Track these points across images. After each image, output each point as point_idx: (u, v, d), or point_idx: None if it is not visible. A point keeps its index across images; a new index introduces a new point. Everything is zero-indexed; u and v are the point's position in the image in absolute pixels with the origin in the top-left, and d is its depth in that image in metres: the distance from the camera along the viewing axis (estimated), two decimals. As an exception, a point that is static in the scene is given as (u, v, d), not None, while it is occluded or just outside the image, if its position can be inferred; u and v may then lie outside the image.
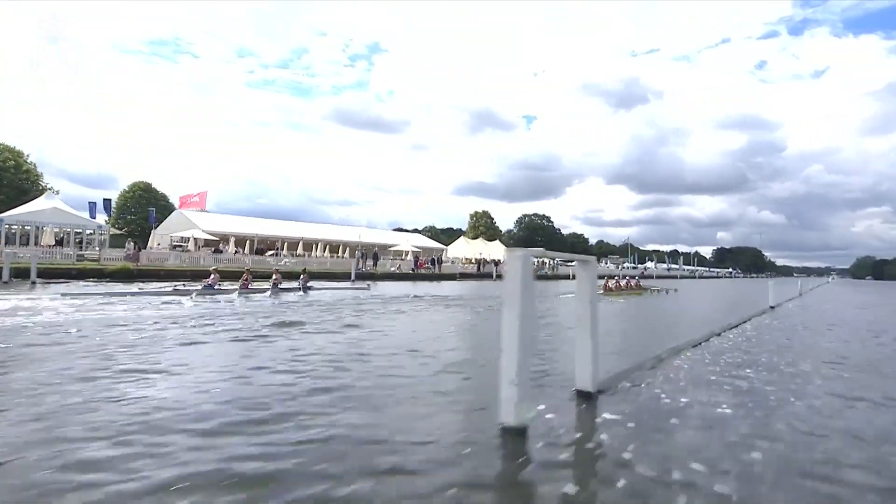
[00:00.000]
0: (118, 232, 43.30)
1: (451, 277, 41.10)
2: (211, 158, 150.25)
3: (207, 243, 38.65)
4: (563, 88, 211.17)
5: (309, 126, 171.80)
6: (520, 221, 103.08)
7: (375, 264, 41.40)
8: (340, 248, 47.63)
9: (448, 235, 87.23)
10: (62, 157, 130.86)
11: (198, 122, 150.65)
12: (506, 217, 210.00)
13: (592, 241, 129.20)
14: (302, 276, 20.02)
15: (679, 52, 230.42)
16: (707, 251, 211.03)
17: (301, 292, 18.61)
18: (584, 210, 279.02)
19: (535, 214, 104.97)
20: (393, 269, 40.47)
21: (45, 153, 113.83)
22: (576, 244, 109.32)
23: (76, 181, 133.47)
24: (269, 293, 17.29)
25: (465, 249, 62.97)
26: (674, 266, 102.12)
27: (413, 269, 41.67)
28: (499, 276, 46.51)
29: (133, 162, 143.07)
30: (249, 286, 17.50)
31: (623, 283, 25.02)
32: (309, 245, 44.92)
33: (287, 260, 36.24)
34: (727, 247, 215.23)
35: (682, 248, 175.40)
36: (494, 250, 70.09)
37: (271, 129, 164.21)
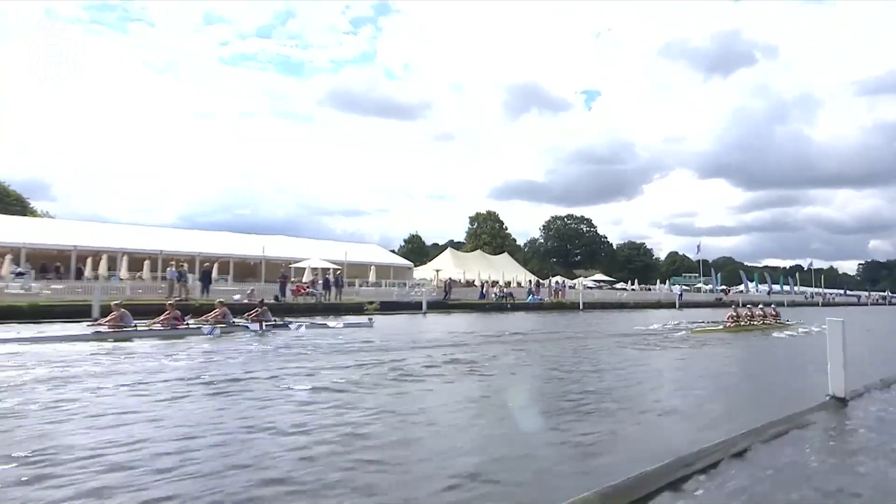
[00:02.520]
0: None
1: (355, 310, 23.95)
2: (177, 159, 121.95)
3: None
4: (635, 52, 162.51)
5: (300, 113, 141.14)
6: (547, 228, 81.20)
7: (283, 294, 24.84)
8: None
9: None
10: None
11: (158, 112, 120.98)
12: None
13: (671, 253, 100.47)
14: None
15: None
16: (852, 266, 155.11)
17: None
18: (668, 215, 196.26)
19: (571, 217, 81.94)
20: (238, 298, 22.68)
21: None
22: (632, 258, 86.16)
23: None
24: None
25: (448, 266, 45.17)
26: (779, 288, 71.48)
27: (277, 298, 24.12)
28: (509, 304, 28.84)
29: (72, 164, 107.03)
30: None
31: (758, 311, 20.20)
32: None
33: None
34: (882, 259, 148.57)
35: (815, 263, 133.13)
36: (500, 267, 51.81)
37: (255, 119, 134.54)
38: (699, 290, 58.46)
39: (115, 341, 12.31)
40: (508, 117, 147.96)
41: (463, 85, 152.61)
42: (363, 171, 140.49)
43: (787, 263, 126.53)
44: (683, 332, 17.62)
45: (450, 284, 34.10)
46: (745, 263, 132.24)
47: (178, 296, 21.74)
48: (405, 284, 37.80)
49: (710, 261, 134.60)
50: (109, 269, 28.49)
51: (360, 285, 33.50)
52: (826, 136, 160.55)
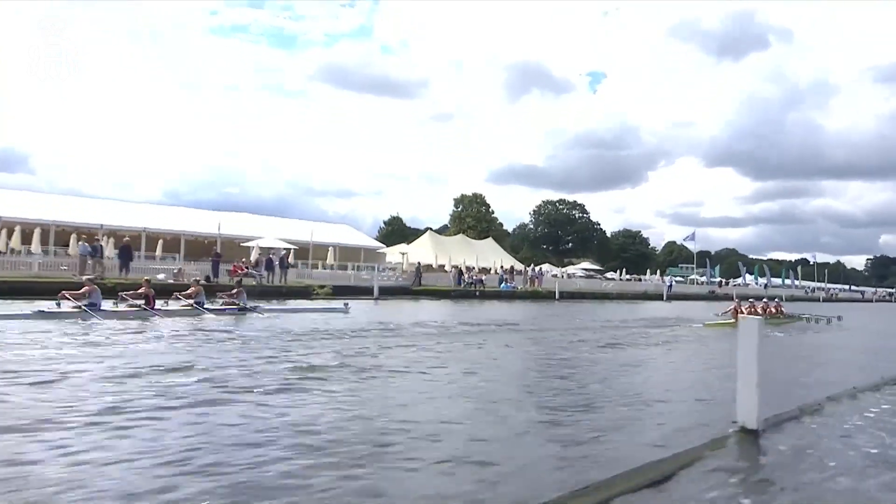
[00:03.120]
0: None
1: (302, 294, 21.72)
2: (163, 134, 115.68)
3: None
4: (644, 32, 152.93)
5: (292, 89, 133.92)
6: (537, 212, 78.01)
7: (216, 274, 22.48)
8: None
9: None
10: None
11: (144, 85, 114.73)
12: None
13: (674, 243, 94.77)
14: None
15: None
16: (860, 261, 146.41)
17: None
18: (673, 204, 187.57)
19: (563, 202, 78.41)
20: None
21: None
22: (626, 246, 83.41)
23: None
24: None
25: (426, 250, 42.64)
26: (780, 282, 68.33)
27: (209, 279, 20.92)
28: (478, 291, 26.54)
29: (52, 136, 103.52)
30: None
31: (760, 307, 19.30)
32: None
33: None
34: (893, 255, 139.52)
35: (823, 258, 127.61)
36: (482, 252, 49.35)
37: (243, 92, 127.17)
38: (693, 281, 55.76)
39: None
40: (508, 98, 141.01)
41: (462, 63, 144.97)
42: (356, 150, 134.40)
43: (794, 257, 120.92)
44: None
45: (419, 269, 31.73)
46: (750, 256, 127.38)
47: (91, 273, 19.40)
48: (373, 268, 35.50)
49: (712, 252, 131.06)
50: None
51: (323, 268, 31.24)
52: (840, 124, 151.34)
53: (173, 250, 31.10)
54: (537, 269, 33.60)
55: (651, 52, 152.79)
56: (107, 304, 12.75)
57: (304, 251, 33.40)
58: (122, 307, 12.75)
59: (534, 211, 77.39)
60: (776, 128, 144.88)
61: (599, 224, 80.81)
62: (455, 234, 59.11)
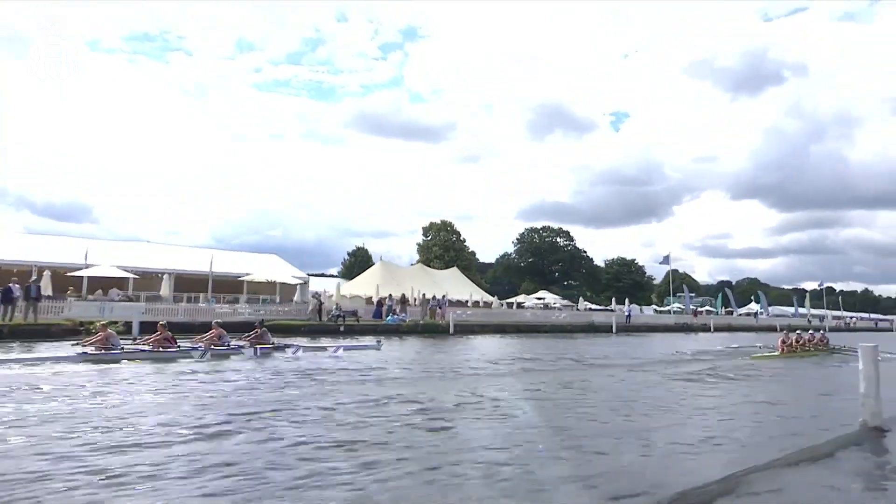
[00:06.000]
0: None
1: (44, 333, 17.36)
2: (211, 180, 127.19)
3: None
4: (662, 72, 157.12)
5: (328, 135, 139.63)
6: (520, 240, 73.13)
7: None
8: None
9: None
10: (22, 182, 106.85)
11: (194, 135, 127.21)
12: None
13: (704, 274, 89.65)
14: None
15: (841, 7, 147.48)
16: (889, 289, 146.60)
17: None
18: (701, 237, 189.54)
19: (547, 229, 73.39)
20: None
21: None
22: (620, 275, 77.65)
23: (40, 213, 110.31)
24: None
25: (375, 281, 38.75)
26: (788, 310, 65.05)
27: None
28: (341, 326, 22.36)
29: (113, 187, 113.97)
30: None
31: (807, 336, 20.47)
32: None
33: None
34: None
35: (854, 286, 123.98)
36: (442, 283, 45.33)
37: (286, 142, 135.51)
38: (669, 311, 49.74)
39: (102, 363, 11.53)
40: (532, 138, 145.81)
41: (488, 106, 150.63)
42: (391, 193, 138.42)
43: (836, 286, 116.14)
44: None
45: (320, 300, 27.88)
46: (770, 285, 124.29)
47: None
48: (261, 300, 32.03)
49: (734, 282, 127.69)
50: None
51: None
52: (865, 155, 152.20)
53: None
54: (441, 297, 29.15)
55: (670, 91, 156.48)
56: None
57: (199, 282, 30.28)
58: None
59: (517, 239, 72.69)
60: (800, 160, 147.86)
61: (585, 251, 75.18)
62: (427, 264, 55.52)
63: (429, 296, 31.37)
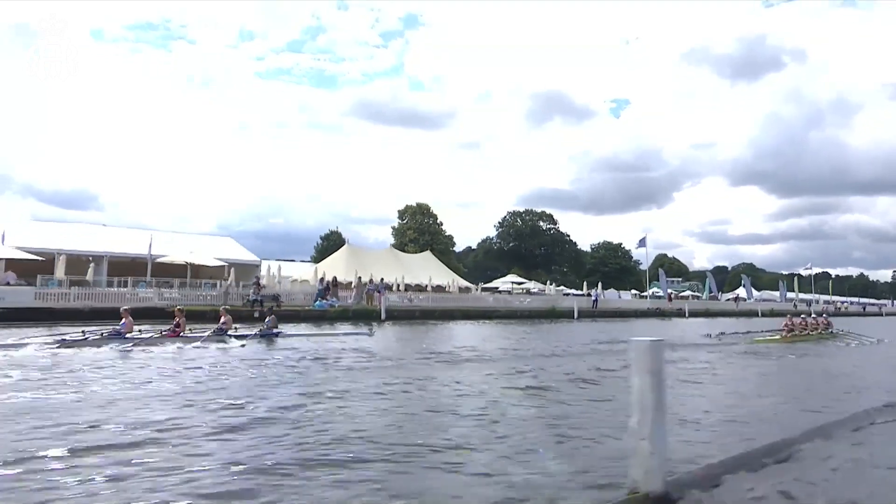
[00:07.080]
0: None
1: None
2: (215, 168, 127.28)
3: None
4: (662, 59, 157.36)
5: (328, 124, 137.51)
6: (501, 224, 71.28)
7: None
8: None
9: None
10: (28, 170, 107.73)
11: (198, 125, 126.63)
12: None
13: (704, 260, 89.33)
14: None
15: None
16: (887, 275, 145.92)
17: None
18: (700, 222, 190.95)
19: (529, 213, 71.26)
20: None
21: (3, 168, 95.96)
22: (607, 259, 76.03)
23: (48, 200, 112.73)
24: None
25: (339, 265, 36.97)
26: (774, 294, 65.48)
27: None
28: (257, 312, 20.56)
29: (119, 176, 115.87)
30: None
31: (810, 321, 20.39)
32: None
33: None
34: None
35: (852, 271, 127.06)
36: (413, 267, 43.80)
37: (290, 130, 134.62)
38: (645, 296, 48.07)
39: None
40: (532, 125, 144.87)
41: (487, 94, 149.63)
42: (391, 180, 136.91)
43: (832, 271, 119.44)
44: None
45: (258, 285, 26.08)
46: (767, 270, 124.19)
47: None
48: (215, 285, 30.24)
49: (729, 268, 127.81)
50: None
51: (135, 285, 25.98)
52: (863, 141, 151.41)
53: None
54: (379, 281, 27.23)
55: (669, 78, 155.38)
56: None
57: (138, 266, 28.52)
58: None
59: (498, 223, 70.76)
60: (799, 146, 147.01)
61: (569, 235, 73.27)
62: (401, 247, 53.80)
63: (388, 281, 29.67)
